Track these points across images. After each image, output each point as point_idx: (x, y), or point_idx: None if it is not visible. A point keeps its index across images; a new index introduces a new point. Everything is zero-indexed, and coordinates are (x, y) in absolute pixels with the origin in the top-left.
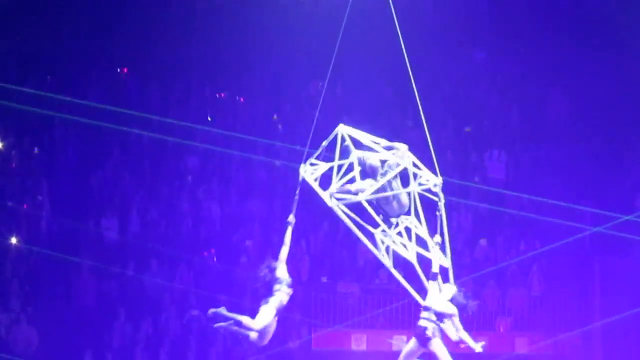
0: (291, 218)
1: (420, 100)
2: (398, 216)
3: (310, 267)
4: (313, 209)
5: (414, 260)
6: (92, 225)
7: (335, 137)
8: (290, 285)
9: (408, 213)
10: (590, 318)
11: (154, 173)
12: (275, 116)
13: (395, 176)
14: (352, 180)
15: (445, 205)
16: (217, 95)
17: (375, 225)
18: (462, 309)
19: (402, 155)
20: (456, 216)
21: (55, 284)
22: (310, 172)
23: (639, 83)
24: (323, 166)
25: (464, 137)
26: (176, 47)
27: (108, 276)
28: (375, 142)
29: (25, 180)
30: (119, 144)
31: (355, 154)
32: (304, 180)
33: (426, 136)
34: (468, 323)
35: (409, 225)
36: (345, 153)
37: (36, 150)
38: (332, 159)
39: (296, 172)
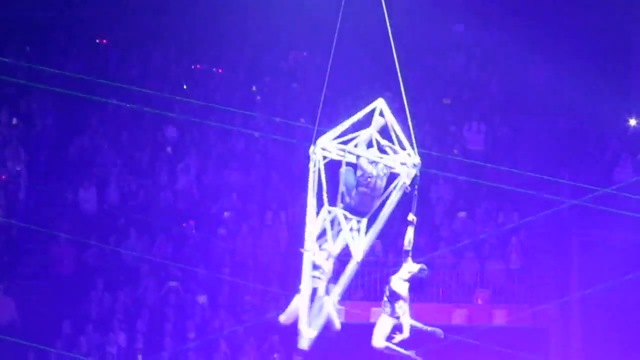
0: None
1: (400, 72)
2: (361, 214)
3: (288, 238)
4: (292, 181)
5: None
6: (70, 196)
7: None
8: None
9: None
10: (568, 290)
11: (132, 144)
12: (254, 88)
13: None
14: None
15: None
16: (195, 67)
17: None
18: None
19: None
20: (435, 188)
21: (33, 255)
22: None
23: (619, 54)
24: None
25: (443, 109)
26: (155, 18)
27: (86, 247)
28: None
29: (3, 151)
30: (97, 115)
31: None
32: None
33: (405, 108)
34: (447, 296)
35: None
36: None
37: (14, 120)
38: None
39: (276, 143)
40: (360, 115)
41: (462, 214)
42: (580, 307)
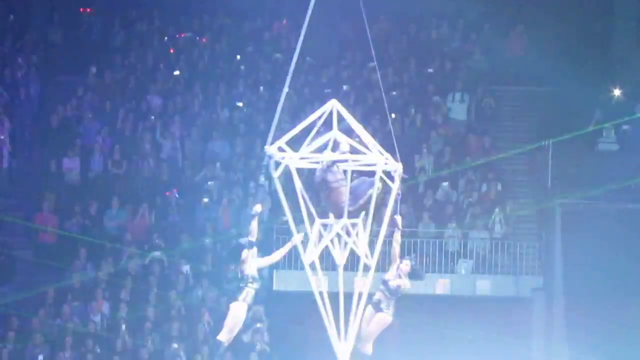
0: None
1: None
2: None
3: (271, 208)
4: None
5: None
6: (54, 165)
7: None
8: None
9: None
10: (551, 260)
11: (116, 113)
12: (238, 57)
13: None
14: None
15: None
16: (179, 36)
17: None
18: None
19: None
20: (418, 158)
21: (16, 224)
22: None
23: (602, 23)
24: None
25: (426, 79)
26: None
27: (70, 216)
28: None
29: None
30: (81, 84)
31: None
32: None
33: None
34: (431, 265)
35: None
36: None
37: None
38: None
39: (260, 115)
40: (312, 118)
41: (445, 186)
42: (563, 277)
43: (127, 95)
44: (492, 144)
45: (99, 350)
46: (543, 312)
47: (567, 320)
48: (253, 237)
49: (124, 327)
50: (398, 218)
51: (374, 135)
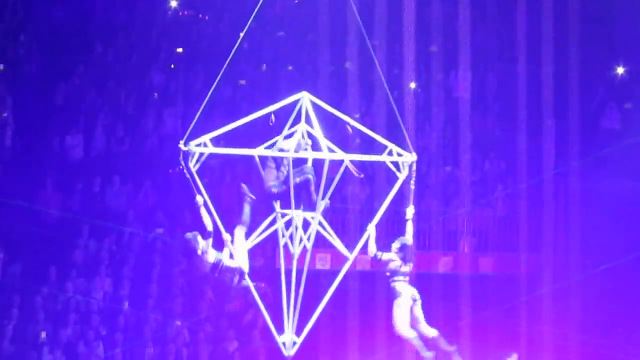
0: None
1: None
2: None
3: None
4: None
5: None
6: (56, 142)
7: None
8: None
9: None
10: (555, 238)
11: (119, 90)
12: (241, 34)
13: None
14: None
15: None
16: (182, 13)
17: None
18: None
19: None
20: (421, 136)
21: (19, 201)
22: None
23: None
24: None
25: (429, 57)
26: None
27: (72, 193)
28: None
29: None
30: (84, 61)
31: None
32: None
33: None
34: (433, 243)
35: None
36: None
37: (1, 66)
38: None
39: (261, 91)
40: (278, 106)
41: (448, 168)
42: (564, 255)
43: (130, 72)
44: (495, 122)
45: (101, 327)
46: (543, 290)
47: (570, 299)
48: (208, 227)
49: (126, 304)
50: (409, 210)
51: (378, 115)
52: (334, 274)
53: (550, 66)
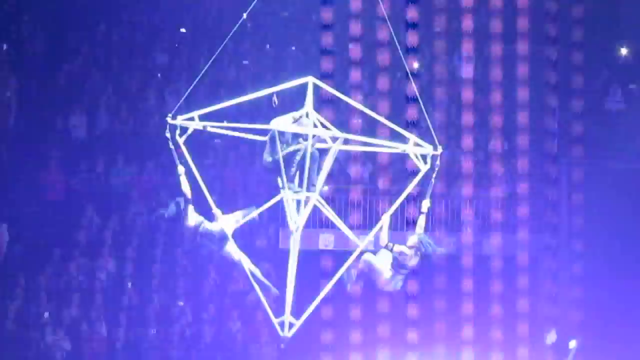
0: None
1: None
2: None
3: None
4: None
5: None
6: (60, 122)
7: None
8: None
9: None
10: (559, 217)
11: (122, 69)
12: (244, 15)
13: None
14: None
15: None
16: None
17: None
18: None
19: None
20: (425, 117)
21: (22, 181)
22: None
23: None
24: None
25: (433, 37)
26: None
27: (76, 173)
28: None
29: None
30: (88, 41)
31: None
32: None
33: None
34: (437, 223)
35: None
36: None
37: (4, 46)
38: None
39: (265, 71)
40: (283, 87)
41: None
42: (568, 235)
43: (134, 52)
44: (499, 102)
45: (104, 308)
46: (550, 271)
47: (572, 280)
48: (188, 195)
49: (129, 284)
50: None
51: (385, 96)
52: (337, 254)
53: (554, 47)
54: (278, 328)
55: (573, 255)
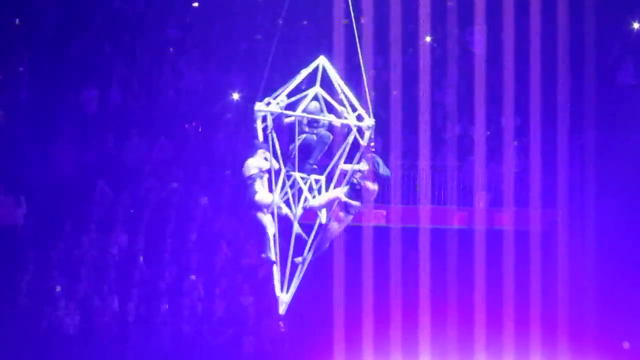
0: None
1: None
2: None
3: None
4: None
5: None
6: (72, 97)
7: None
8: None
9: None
10: (571, 193)
11: (135, 44)
12: None
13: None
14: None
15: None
16: None
17: None
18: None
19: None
20: (437, 92)
21: (35, 155)
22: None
23: None
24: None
25: (445, 12)
26: None
27: (88, 147)
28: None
29: (6, 52)
30: (100, 15)
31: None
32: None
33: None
34: (449, 199)
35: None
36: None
37: (17, 21)
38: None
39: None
40: (302, 75)
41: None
42: (582, 210)
43: (146, 26)
44: (511, 77)
45: (116, 282)
46: (557, 245)
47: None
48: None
49: (141, 258)
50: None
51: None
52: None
53: (566, 21)
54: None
55: (584, 228)
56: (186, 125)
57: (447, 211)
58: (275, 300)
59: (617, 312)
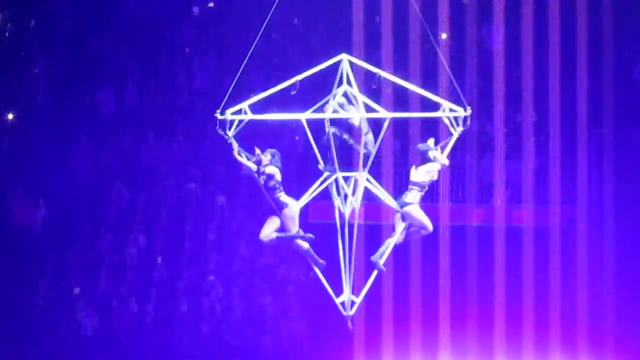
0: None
1: None
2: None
3: (305, 140)
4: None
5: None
6: (88, 98)
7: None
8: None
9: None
10: (589, 189)
11: (151, 45)
12: None
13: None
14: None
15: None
16: None
17: None
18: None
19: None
20: (453, 88)
21: (52, 157)
22: None
23: None
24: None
25: (461, 9)
26: None
27: (105, 148)
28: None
29: (22, 53)
30: (115, 16)
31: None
32: None
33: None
34: (467, 196)
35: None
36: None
37: (32, 22)
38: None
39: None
40: (320, 68)
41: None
42: (601, 206)
43: (161, 27)
44: (527, 72)
45: (134, 283)
46: (576, 242)
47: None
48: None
49: (159, 259)
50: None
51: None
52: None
53: (583, 18)
54: (341, 308)
55: (603, 224)
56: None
57: (466, 208)
58: (293, 301)
59: (637, 309)
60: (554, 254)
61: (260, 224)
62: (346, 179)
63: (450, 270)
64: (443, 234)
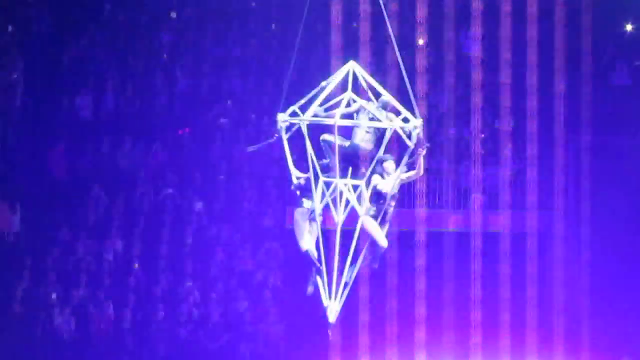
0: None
1: None
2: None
3: None
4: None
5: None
6: (66, 102)
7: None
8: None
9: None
10: (566, 195)
11: (128, 50)
12: None
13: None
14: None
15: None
16: None
17: None
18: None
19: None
20: (433, 94)
21: (29, 162)
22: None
23: None
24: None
25: (440, 15)
26: None
27: (82, 153)
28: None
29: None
30: (94, 20)
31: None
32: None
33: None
34: (444, 202)
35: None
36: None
37: (10, 28)
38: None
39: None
40: (334, 82)
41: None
42: (578, 212)
43: (139, 32)
44: (505, 79)
45: (111, 288)
46: (555, 248)
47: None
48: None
49: (136, 265)
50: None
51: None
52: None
53: (560, 23)
54: (330, 315)
55: (580, 230)
56: (180, 132)
57: (443, 214)
58: (271, 306)
59: (614, 314)
60: (531, 260)
61: (238, 229)
62: (328, 184)
63: (427, 275)
64: (420, 239)
